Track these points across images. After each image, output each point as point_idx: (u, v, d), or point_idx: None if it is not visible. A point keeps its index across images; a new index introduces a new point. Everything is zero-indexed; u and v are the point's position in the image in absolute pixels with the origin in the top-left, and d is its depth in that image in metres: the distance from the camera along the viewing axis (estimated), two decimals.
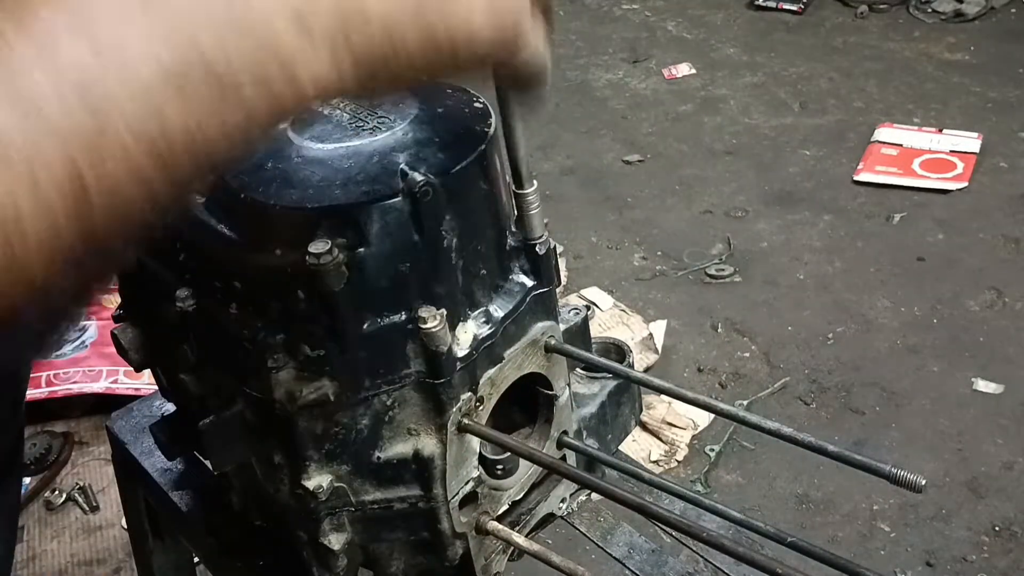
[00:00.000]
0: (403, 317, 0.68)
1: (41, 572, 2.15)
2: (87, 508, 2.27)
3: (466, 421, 0.73)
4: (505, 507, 0.82)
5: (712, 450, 2.41)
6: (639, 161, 3.61)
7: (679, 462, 2.39)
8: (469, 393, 0.73)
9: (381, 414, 0.71)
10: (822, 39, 4.31)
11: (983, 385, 2.53)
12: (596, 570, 0.71)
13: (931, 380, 2.56)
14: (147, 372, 0.88)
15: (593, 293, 2.87)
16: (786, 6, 4.51)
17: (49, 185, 0.36)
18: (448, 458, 0.73)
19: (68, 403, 2.40)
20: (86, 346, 2.46)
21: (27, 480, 2.26)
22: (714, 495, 2.28)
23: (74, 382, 2.39)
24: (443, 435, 0.72)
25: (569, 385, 0.84)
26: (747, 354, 2.70)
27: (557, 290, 0.80)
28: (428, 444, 0.72)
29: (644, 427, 2.41)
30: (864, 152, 3.46)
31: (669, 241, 3.17)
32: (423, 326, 0.67)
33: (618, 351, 0.97)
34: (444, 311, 0.68)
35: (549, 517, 0.88)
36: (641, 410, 0.99)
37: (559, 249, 0.80)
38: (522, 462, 0.81)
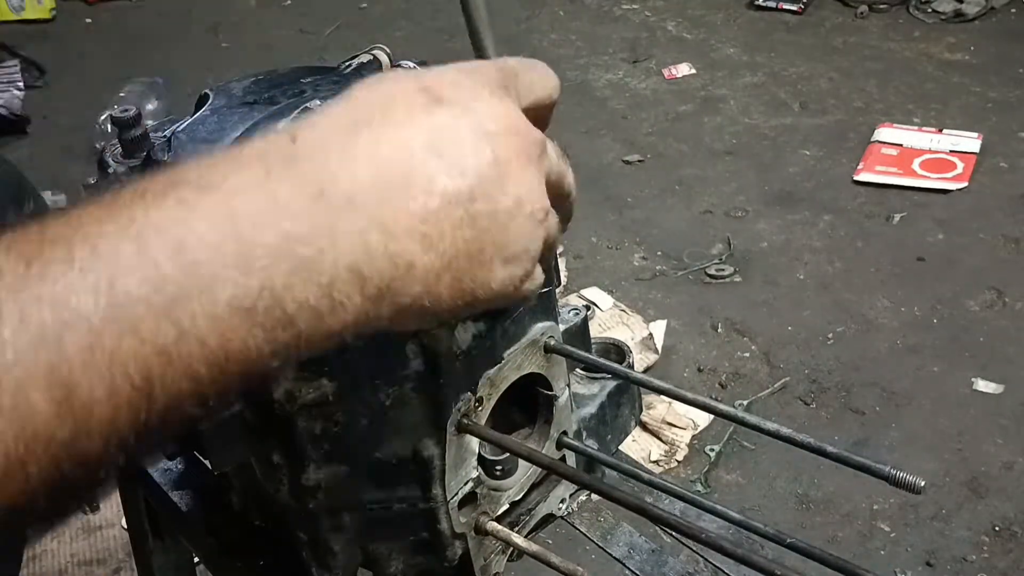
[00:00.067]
0: None
1: (41, 572, 2.15)
2: (87, 508, 2.27)
3: (465, 421, 0.73)
4: (504, 507, 0.82)
5: (712, 450, 2.41)
6: (639, 161, 3.61)
7: (679, 462, 2.39)
8: (468, 393, 0.73)
9: (380, 414, 0.71)
10: (822, 39, 4.31)
11: (983, 385, 2.53)
12: (596, 570, 0.71)
13: (931, 380, 2.56)
14: None
15: (593, 293, 2.87)
16: (786, 6, 4.51)
17: (123, 381, 0.41)
18: (447, 458, 0.73)
19: None
20: None
21: None
22: (714, 495, 2.28)
23: None
24: (442, 435, 0.72)
25: (569, 385, 0.84)
26: (747, 354, 2.71)
27: (557, 290, 0.80)
28: (427, 444, 0.72)
29: (644, 427, 2.41)
30: (864, 152, 3.46)
31: (669, 241, 3.17)
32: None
33: (618, 351, 0.97)
34: None
35: (549, 517, 0.88)
36: (641, 410, 0.99)
37: (559, 249, 0.80)
38: (521, 462, 0.81)
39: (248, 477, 0.79)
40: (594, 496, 0.91)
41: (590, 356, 0.83)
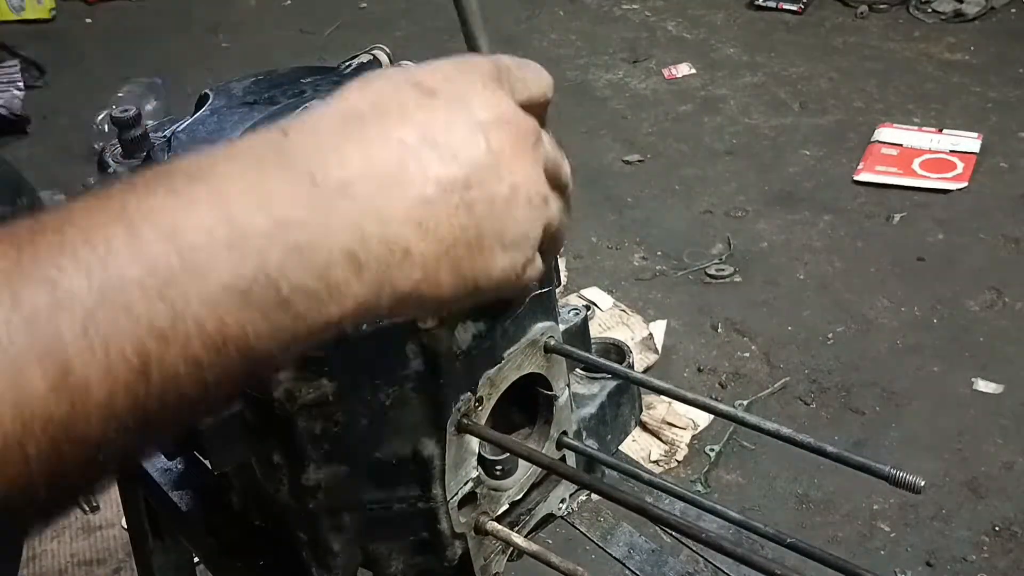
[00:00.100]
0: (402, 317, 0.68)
1: (41, 572, 2.15)
2: (87, 508, 2.27)
3: (465, 421, 0.73)
4: (504, 507, 0.82)
5: (712, 450, 2.41)
6: (639, 161, 3.61)
7: (679, 462, 2.39)
8: (468, 393, 0.73)
9: (380, 414, 0.71)
10: (822, 39, 4.31)
11: (983, 385, 2.53)
12: (596, 570, 0.71)
13: (931, 380, 2.56)
14: None
15: (593, 293, 2.86)
16: (786, 6, 4.51)
17: (119, 362, 0.41)
18: (447, 458, 0.73)
19: None
20: None
21: None
22: (714, 495, 2.28)
23: None
24: (442, 435, 0.72)
25: (569, 385, 0.84)
26: (747, 354, 2.70)
27: (557, 290, 0.80)
28: (427, 444, 0.72)
29: (644, 427, 2.41)
30: (864, 152, 3.46)
31: (669, 241, 3.17)
32: (423, 326, 0.67)
33: (618, 351, 0.97)
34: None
35: (549, 517, 0.88)
36: (641, 410, 0.99)
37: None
38: (521, 462, 0.81)
39: (248, 477, 0.79)
40: (594, 496, 0.91)
41: (590, 356, 0.83)
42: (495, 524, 0.78)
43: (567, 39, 4.54)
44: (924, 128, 3.54)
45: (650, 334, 2.69)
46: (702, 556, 0.86)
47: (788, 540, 0.65)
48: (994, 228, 3.07)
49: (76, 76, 4.48)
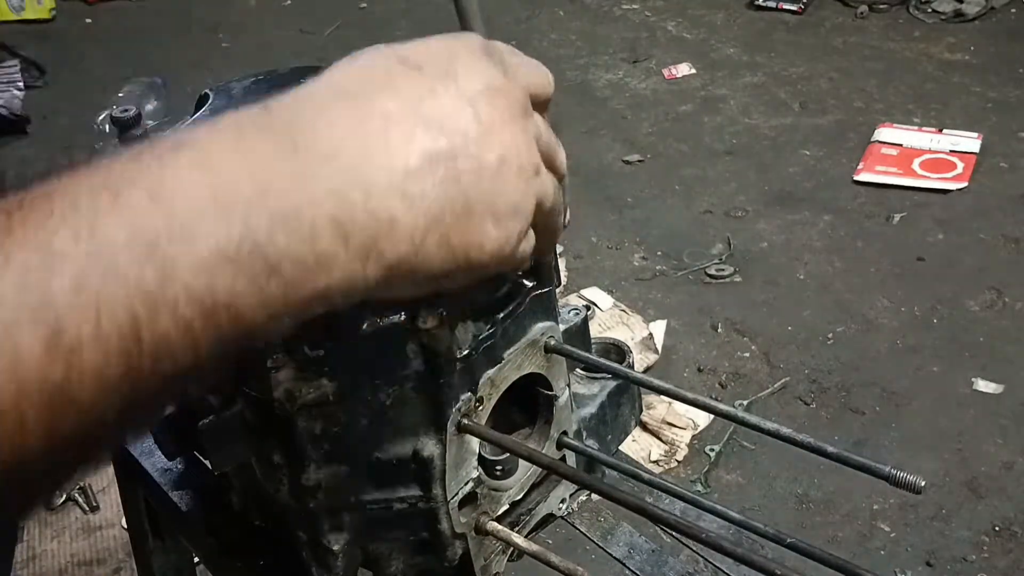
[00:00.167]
0: (403, 317, 0.68)
1: (41, 572, 2.15)
2: (87, 508, 2.27)
3: (465, 421, 0.73)
4: (505, 507, 0.82)
5: (712, 450, 2.41)
6: (639, 161, 3.61)
7: (679, 462, 2.39)
8: (469, 393, 0.73)
9: (380, 414, 0.71)
10: (822, 39, 4.31)
11: (983, 385, 2.53)
12: (596, 570, 0.71)
13: (931, 380, 2.56)
14: None
15: (593, 293, 2.87)
16: (786, 6, 4.51)
17: (110, 324, 0.41)
18: (447, 458, 0.73)
19: None
20: None
21: None
22: (714, 495, 2.28)
23: None
24: (442, 435, 0.72)
25: (569, 385, 0.84)
26: (747, 354, 2.70)
27: (557, 290, 0.80)
28: (427, 444, 0.72)
29: (644, 427, 2.41)
30: (864, 152, 3.46)
31: (669, 241, 3.17)
32: (423, 326, 0.67)
33: (618, 351, 0.97)
34: (444, 311, 0.68)
35: (549, 517, 0.88)
36: (641, 411, 0.99)
37: (559, 249, 0.80)
38: (522, 463, 0.80)
39: (248, 477, 0.79)
40: (594, 496, 0.91)
41: (590, 356, 0.83)
42: (495, 524, 0.78)
43: (567, 39, 4.54)
44: (924, 128, 3.54)
45: (650, 334, 2.69)
46: (702, 556, 0.86)
47: (788, 540, 0.65)
48: (994, 228, 3.07)
49: (76, 76, 4.48)
